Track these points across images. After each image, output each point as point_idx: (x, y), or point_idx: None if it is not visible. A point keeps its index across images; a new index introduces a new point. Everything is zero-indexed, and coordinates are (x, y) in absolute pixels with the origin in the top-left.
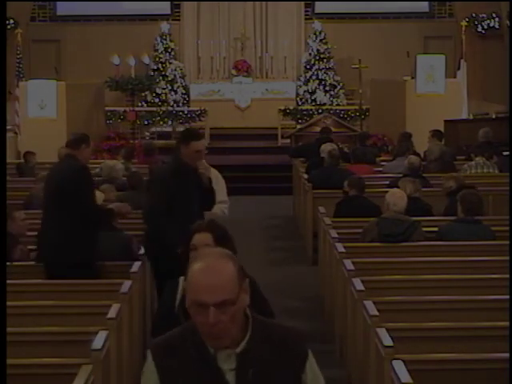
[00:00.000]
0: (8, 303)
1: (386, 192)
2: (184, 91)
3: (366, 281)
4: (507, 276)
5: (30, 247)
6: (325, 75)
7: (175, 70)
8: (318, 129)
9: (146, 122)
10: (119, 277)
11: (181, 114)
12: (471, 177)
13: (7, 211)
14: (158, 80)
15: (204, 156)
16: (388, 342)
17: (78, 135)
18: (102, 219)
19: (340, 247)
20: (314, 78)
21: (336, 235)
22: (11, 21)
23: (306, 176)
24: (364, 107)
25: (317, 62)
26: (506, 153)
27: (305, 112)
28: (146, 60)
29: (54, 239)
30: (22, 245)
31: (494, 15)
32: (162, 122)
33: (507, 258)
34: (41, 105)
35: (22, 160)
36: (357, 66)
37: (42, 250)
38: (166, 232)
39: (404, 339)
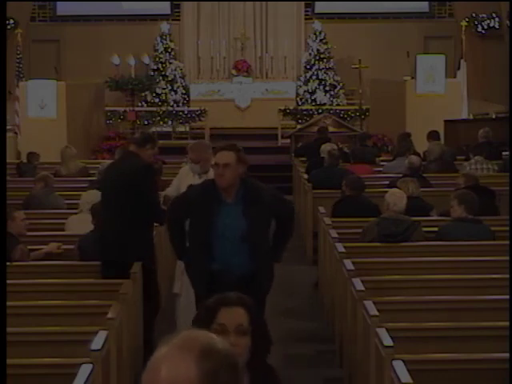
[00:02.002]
0: (8, 303)
1: (386, 192)
2: (184, 91)
3: (366, 281)
4: (507, 276)
5: (30, 247)
6: (325, 75)
7: (175, 70)
8: (316, 129)
9: (145, 122)
10: (119, 277)
11: (181, 113)
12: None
13: (7, 211)
14: (158, 80)
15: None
16: (388, 342)
17: (146, 134)
18: (164, 218)
19: (340, 247)
20: (313, 78)
21: (336, 235)
22: (11, 21)
23: (305, 176)
24: (364, 107)
25: (317, 62)
26: (505, 153)
27: (305, 112)
28: (146, 60)
29: (120, 238)
30: (22, 244)
31: (494, 15)
32: (161, 122)
33: (507, 258)
34: (41, 105)
35: (25, 160)
36: (357, 66)
37: (107, 250)
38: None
39: (404, 339)
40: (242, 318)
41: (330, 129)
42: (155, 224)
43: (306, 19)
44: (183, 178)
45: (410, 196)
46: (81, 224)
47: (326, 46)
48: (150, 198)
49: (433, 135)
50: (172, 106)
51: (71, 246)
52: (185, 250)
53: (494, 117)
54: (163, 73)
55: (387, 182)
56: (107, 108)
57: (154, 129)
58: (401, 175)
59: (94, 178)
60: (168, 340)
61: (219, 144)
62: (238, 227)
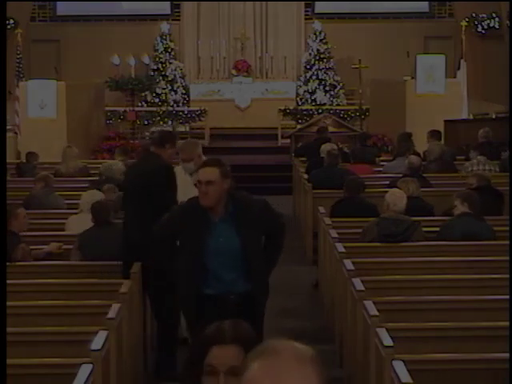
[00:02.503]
0: (8, 303)
1: (386, 192)
2: (184, 91)
3: (366, 281)
4: (507, 276)
5: (30, 247)
6: (325, 75)
7: (175, 70)
8: (316, 129)
9: (146, 122)
10: (119, 277)
11: (181, 114)
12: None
13: (9, 209)
14: (158, 80)
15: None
16: (388, 342)
17: (164, 133)
18: None
19: (340, 247)
20: (314, 78)
21: (336, 235)
22: (11, 21)
23: (305, 176)
24: (364, 107)
25: (317, 62)
26: (504, 153)
27: (305, 112)
28: (146, 60)
29: (143, 239)
30: (23, 244)
31: (494, 15)
32: (161, 122)
33: (507, 258)
34: (41, 105)
35: (24, 160)
36: (357, 66)
37: (131, 251)
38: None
39: (404, 339)
40: (235, 359)
41: (330, 129)
42: None
43: (305, 19)
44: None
45: (410, 196)
46: (81, 224)
47: (325, 46)
48: (169, 199)
49: (434, 135)
50: (172, 106)
51: (71, 246)
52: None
53: (494, 117)
54: (163, 73)
55: (387, 182)
56: (107, 108)
57: (153, 129)
58: (401, 175)
59: (94, 178)
60: (259, 353)
61: (204, 160)
62: (232, 245)
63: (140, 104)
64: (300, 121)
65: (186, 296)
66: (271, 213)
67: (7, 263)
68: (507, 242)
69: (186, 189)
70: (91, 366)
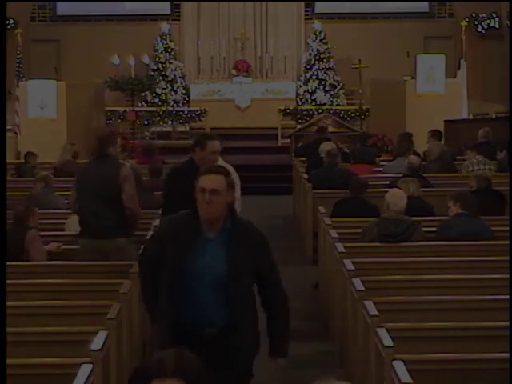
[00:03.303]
0: (8, 303)
1: (386, 192)
2: (184, 91)
3: (366, 281)
4: (507, 276)
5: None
6: (325, 75)
7: (175, 70)
8: (315, 129)
9: (146, 122)
10: (119, 277)
11: (181, 114)
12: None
13: (27, 206)
14: (158, 80)
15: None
16: (388, 342)
17: (197, 137)
18: None
19: (340, 247)
20: (314, 78)
21: (336, 235)
22: (11, 21)
23: (305, 176)
24: (364, 107)
25: (317, 62)
26: (500, 153)
27: (305, 112)
28: (146, 60)
29: None
30: (33, 230)
31: (494, 15)
32: (162, 122)
33: (507, 258)
34: (41, 105)
35: (23, 160)
36: (357, 66)
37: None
38: None
39: (404, 339)
40: None
41: (330, 129)
42: None
43: (305, 19)
44: None
45: (411, 196)
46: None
47: (326, 46)
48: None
49: (435, 135)
50: (172, 106)
51: (71, 246)
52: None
53: (494, 117)
54: (163, 73)
55: (387, 182)
56: (107, 108)
57: (153, 129)
58: (401, 175)
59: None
60: None
61: (204, 167)
62: (217, 266)
63: (140, 104)
64: (300, 121)
65: (162, 322)
66: (271, 257)
67: (7, 263)
68: (507, 242)
69: None
70: (91, 365)
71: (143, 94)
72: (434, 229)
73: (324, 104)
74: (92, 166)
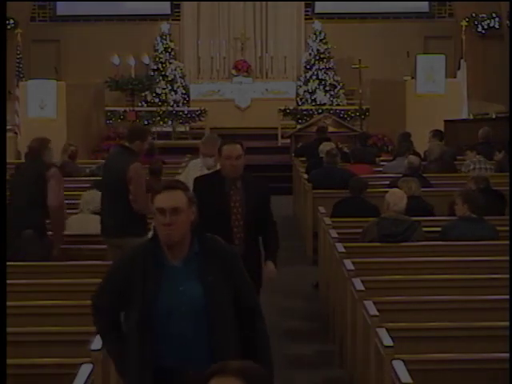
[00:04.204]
0: (8, 303)
1: (386, 192)
2: (184, 91)
3: (366, 281)
4: (507, 276)
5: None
6: (325, 75)
7: (175, 69)
8: (315, 129)
9: (145, 122)
10: None
11: (181, 114)
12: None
13: (39, 142)
14: (157, 80)
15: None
16: (388, 342)
17: (211, 137)
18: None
19: (340, 247)
20: (314, 78)
21: (336, 235)
22: (11, 21)
23: (305, 176)
24: (364, 107)
25: (317, 62)
26: (498, 153)
27: (305, 112)
28: (146, 60)
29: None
30: (55, 168)
31: (494, 15)
32: (162, 122)
33: (507, 258)
34: (41, 105)
35: (23, 159)
36: (357, 66)
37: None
38: None
39: (404, 339)
40: None
41: (330, 129)
42: None
43: (305, 19)
44: (191, 171)
45: (412, 196)
46: (81, 224)
47: (326, 46)
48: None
49: (436, 135)
50: (172, 106)
51: (71, 246)
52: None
53: (494, 117)
54: (163, 73)
55: (387, 182)
56: (107, 108)
57: (153, 129)
58: (401, 175)
59: (95, 178)
60: None
61: (161, 183)
62: (194, 296)
63: (140, 104)
64: (300, 121)
65: (133, 370)
66: (244, 275)
67: (8, 263)
68: (507, 242)
69: None
70: (91, 365)
71: (143, 94)
72: (435, 229)
73: (324, 104)
74: (110, 157)
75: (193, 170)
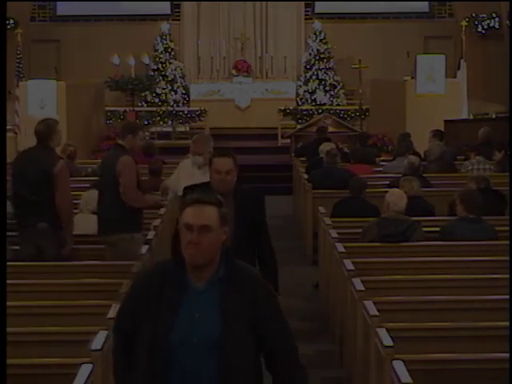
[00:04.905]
0: (8, 303)
1: (386, 192)
2: (184, 91)
3: (366, 281)
4: (507, 276)
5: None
6: (325, 75)
7: (175, 69)
8: (316, 129)
9: (146, 122)
10: (119, 277)
11: (181, 114)
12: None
13: (46, 125)
14: (157, 80)
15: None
16: (388, 342)
17: (201, 136)
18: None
19: (340, 247)
20: (314, 77)
21: (336, 235)
22: (11, 21)
23: (305, 176)
24: (364, 107)
25: (317, 62)
26: (498, 154)
27: (305, 112)
28: (146, 60)
29: None
30: (63, 160)
31: (494, 15)
32: (162, 122)
33: (507, 258)
34: (41, 105)
35: None
36: (357, 66)
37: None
38: None
39: (404, 339)
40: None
41: (330, 129)
42: None
43: (305, 19)
44: (182, 170)
45: (414, 195)
46: (81, 224)
47: (326, 46)
48: None
49: (436, 135)
50: (172, 106)
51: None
52: None
53: (494, 117)
54: (163, 73)
55: (387, 182)
56: (107, 108)
57: (153, 129)
58: (400, 175)
59: (96, 178)
60: None
61: (190, 196)
62: (209, 328)
63: (140, 104)
64: (300, 121)
65: None
66: (277, 311)
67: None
68: (507, 242)
69: (191, 182)
70: (91, 365)
71: (143, 94)
72: (435, 229)
73: (324, 104)
74: (105, 156)
75: (183, 169)
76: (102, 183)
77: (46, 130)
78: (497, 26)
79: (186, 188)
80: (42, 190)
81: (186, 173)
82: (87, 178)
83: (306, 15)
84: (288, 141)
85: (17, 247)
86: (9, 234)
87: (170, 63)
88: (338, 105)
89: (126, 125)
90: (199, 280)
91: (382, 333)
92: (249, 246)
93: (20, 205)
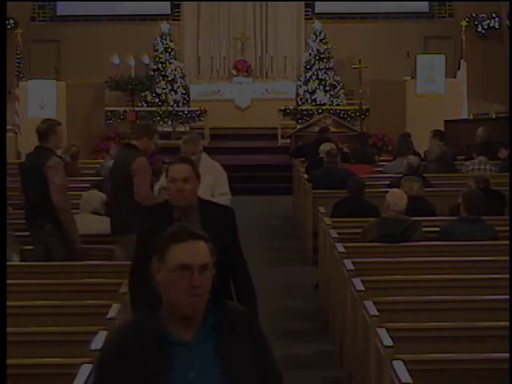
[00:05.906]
0: (8, 303)
1: (386, 192)
2: (184, 91)
3: (366, 281)
4: (507, 276)
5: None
6: (325, 75)
7: (175, 70)
8: (317, 129)
9: (146, 122)
10: (119, 277)
11: (181, 114)
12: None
13: (47, 125)
14: (158, 80)
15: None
16: (388, 342)
17: (191, 135)
18: None
19: (340, 247)
20: (314, 77)
21: (336, 235)
22: (11, 21)
23: (305, 176)
24: (364, 107)
25: (317, 62)
26: (505, 152)
27: (305, 112)
28: (146, 60)
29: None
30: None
31: (494, 15)
32: (161, 122)
33: (507, 258)
34: (41, 105)
35: (23, 160)
36: (357, 66)
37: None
38: None
39: (404, 339)
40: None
41: (330, 129)
42: None
43: (305, 19)
44: None
45: (415, 195)
46: (81, 224)
47: (326, 46)
48: None
49: (437, 135)
50: (172, 106)
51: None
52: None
53: (494, 117)
54: (163, 73)
55: (387, 182)
56: (107, 108)
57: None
58: (401, 175)
59: (96, 178)
60: None
61: (174, 230)
62: None
63: (140, 104)
64: (300, 121)
65: None
66: (269, 348)
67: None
68: (507, 242)
69: None
70: (91, 366)
71: (143, 94)
72: (435, 229)
73: (324, 104)
74: (117, 156)
75: None
76: (115, 183)
77: (45, 130)
78: (497, 26)
79: (142, 212)
80: (44, 191)
81: None
82: (90, 179)
83: (305, 15)
84: (288, 141)
85: (31, 247)
86: (21, 234)
87: (170, 63)
88: (338, 105)
89: (142, 127)
90: (185, 331)
91: (382, 333)
92: (220, 270)
93: (29, 207)
